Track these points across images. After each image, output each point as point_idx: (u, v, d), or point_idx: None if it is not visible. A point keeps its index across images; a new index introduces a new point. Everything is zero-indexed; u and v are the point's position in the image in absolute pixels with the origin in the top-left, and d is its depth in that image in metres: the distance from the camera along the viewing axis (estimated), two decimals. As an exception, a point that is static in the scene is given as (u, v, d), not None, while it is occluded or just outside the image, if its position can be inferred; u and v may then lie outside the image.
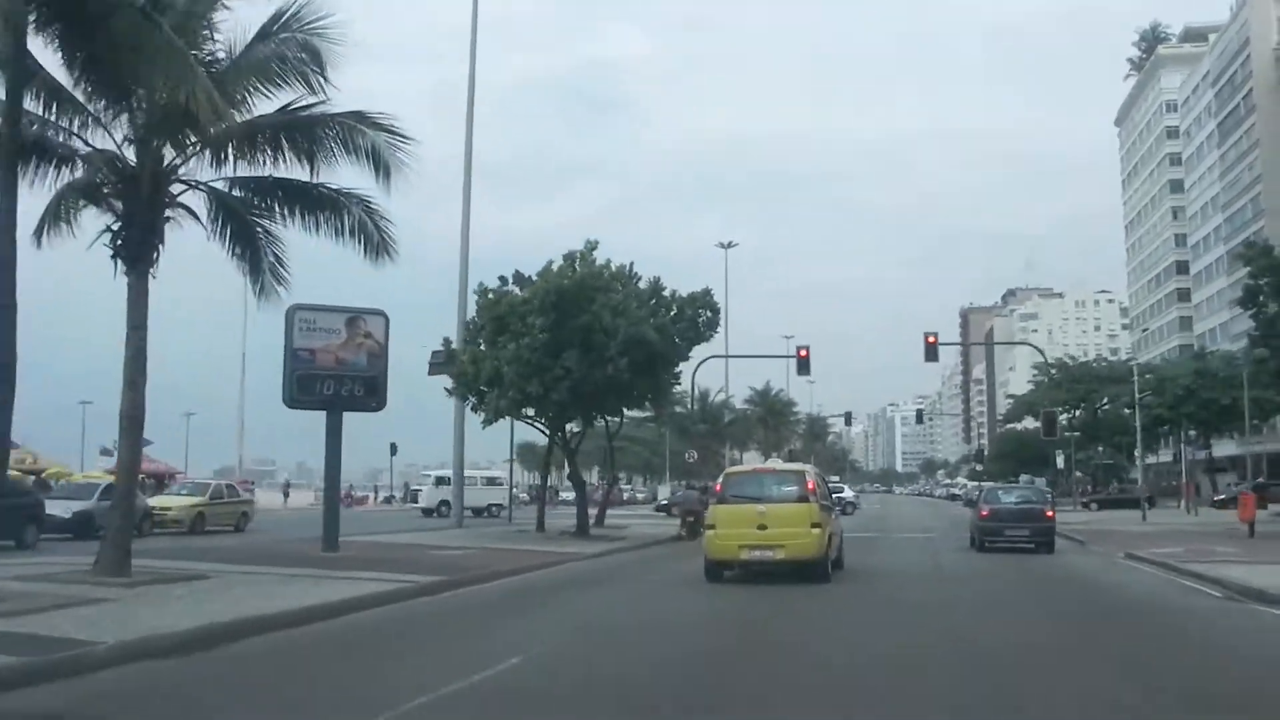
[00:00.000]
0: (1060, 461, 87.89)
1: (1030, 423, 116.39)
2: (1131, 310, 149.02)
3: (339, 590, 17.34)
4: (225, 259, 21.01)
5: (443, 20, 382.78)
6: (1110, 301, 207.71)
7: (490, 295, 34.07)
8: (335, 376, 25.72)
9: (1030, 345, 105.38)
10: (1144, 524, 46.74)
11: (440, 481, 58.47)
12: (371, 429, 46.56)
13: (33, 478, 42.97)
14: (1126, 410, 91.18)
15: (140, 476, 66.93)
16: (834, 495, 30.40)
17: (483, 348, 33.86)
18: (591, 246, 33.78)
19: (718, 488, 21.99)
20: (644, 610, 17.38)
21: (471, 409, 35.56)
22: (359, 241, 20.73)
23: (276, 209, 20.84)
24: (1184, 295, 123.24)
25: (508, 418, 35.85)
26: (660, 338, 32.95)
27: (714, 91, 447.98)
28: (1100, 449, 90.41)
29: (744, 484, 21.44)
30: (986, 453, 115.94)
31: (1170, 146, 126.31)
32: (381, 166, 19.73)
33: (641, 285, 34.93)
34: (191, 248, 21.08)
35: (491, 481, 62.49)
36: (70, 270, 27.21)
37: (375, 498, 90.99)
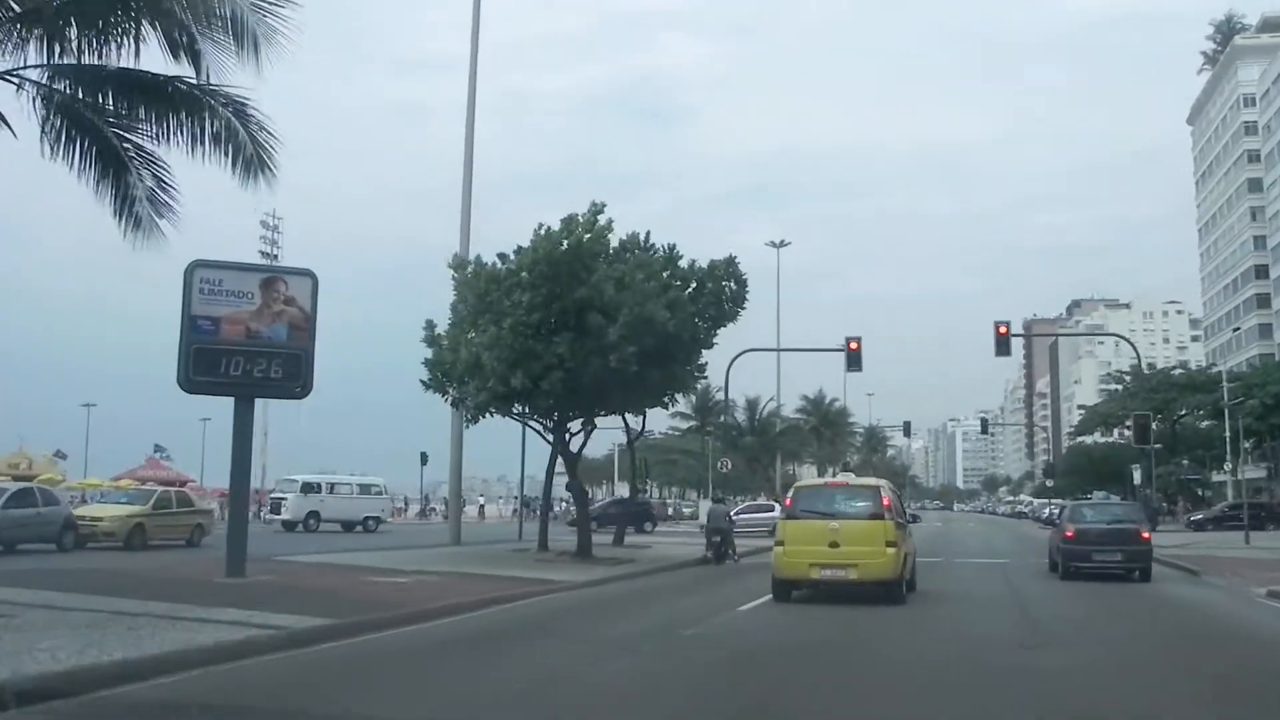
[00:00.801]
0: (1137, 476, 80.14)
1: (1101, 436, 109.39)
2: (1205, 318, 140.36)
3: (158, 641, 12.18)
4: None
5: (500, 35, 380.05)
6: (1179, 313, 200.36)
7: (470, 268, 27.93)
8: (246, 353, 19.85)
9: (1118, 337, 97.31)
10: (1248, 547, 39.70)
11: (309, 489, 51.23)
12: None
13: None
14: (1206, 422, 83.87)
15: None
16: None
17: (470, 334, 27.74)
18: (596, 210, 27.54)
19: (787, 502, 20.78)
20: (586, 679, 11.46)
21: (451, 404, 29.42)
22: (226, 154, 15.16)
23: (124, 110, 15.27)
24: (1264, 301, 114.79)
25: (508, 417, 29.68)
26: (673, 318, 26.67)
27: (770, 100, 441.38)
28: (1185, 462, 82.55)
29: (815, 498, 20.18)
30: (1056, 467, 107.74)
31: (1248, 143, 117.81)
32: (248, 37, 14.15)
33: (655, 255, 28.63)
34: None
35: (366, 490, 54.48)
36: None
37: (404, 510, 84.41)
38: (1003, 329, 37.75)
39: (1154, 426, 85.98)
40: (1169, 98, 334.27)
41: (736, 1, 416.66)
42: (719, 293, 28.75)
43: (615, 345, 25.88)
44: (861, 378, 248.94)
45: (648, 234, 29.25)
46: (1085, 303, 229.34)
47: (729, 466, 40.03)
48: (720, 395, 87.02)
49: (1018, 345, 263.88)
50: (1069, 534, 26.94)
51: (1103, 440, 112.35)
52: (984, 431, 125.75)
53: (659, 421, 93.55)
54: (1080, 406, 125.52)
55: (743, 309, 29.32)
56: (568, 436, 30.59)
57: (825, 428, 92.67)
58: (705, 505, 72.24)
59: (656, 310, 26.14)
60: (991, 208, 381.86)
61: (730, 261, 29.03)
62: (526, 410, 29.07)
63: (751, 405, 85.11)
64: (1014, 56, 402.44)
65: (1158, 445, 77.06)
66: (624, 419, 38.46)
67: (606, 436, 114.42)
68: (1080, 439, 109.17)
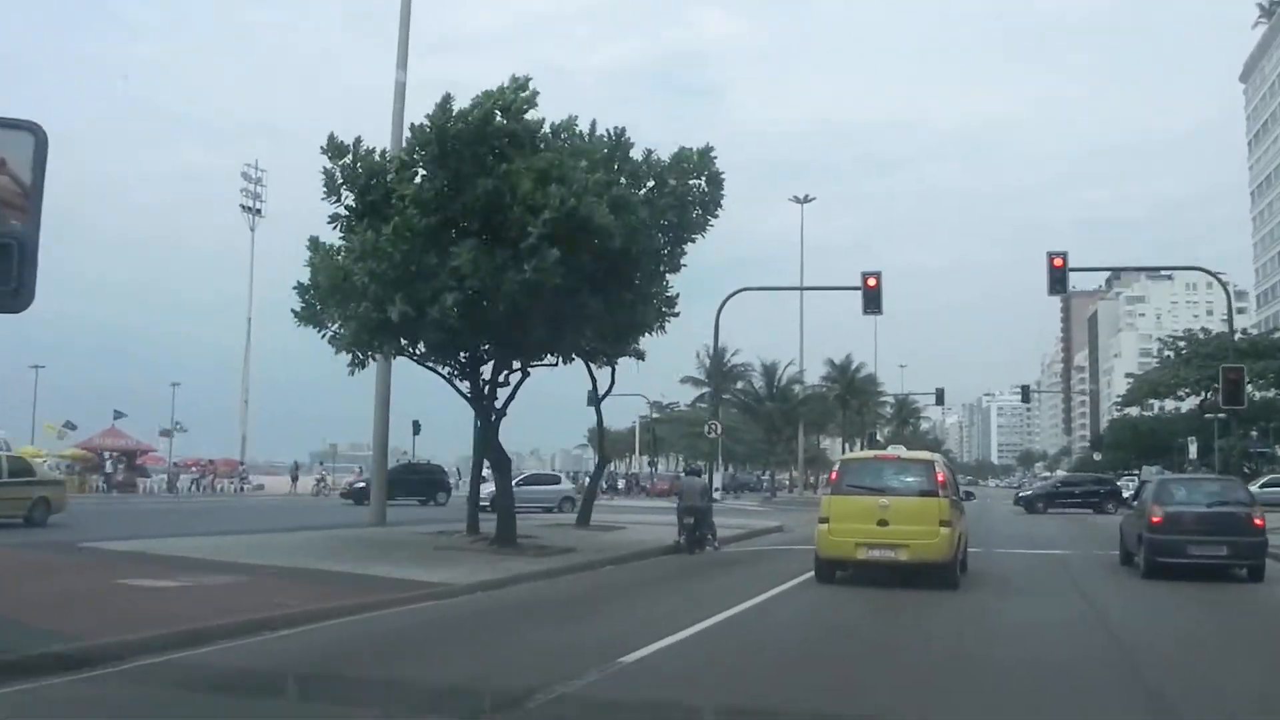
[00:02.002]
0: (1192, 450, 71.78)
1: (1141, 411, 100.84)
2: (1258, 285, 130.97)
3: None
4: None
5: (531, 8, 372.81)
6: (1224, 284, 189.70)
7: (349, 157, 20.32)
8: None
9: (1197, 267, 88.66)
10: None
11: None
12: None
13: None
14: (1272, 391, 75.48)
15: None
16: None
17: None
18: (519, 84, 19.90)
19: (833, 476, 19.23)
20: None
21: (328, 340, 21.69)
22: None
23: None
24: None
25: (403, 356, 22.28)
26: (622, 222, 19.18)
27: (803, 77, 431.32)
28: (1254, 434, 73.90)
29: (863, 473, 18.51)
30: (1103, 439, 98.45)
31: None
32: None
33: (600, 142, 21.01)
34: None
35: None
36: None
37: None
38: (1058, 261, 29.95)
39: (1209, 396, 78.35)
40: (1209, 76, 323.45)
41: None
42: (684, 194, 21.07)
43: (534, 250, 18.35)
44: (895, 350, 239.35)
45: (593, 123, 21.59)
46: (1125, 274, 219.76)
47: (718, 431, 32.04)
48: (734, 359, 79.76)
49: (1054, 314, 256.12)
50: (1155, 519, 19.56)
51: (1150, 413, 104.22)
52: (1024, 400, 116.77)
53: (673, 390, 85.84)
54: (1127, 375, 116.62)
55: (715, 216, 21.65)
56: (484, 386, 23.00)
57: (851, 396, 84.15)
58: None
59: (594, 210, 18.60)
60: (1027, 184, 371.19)
61: (704, 153, 21.28)
62: (419, 349, 21.47)
63: (769, 370, 77.05)
64: (1052, 33, 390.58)
65: (1220, 415, 68.77)
66: (589, 372, 30.97)
67: (629, 407, 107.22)
68: (1126, 410, 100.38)
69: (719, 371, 77.80)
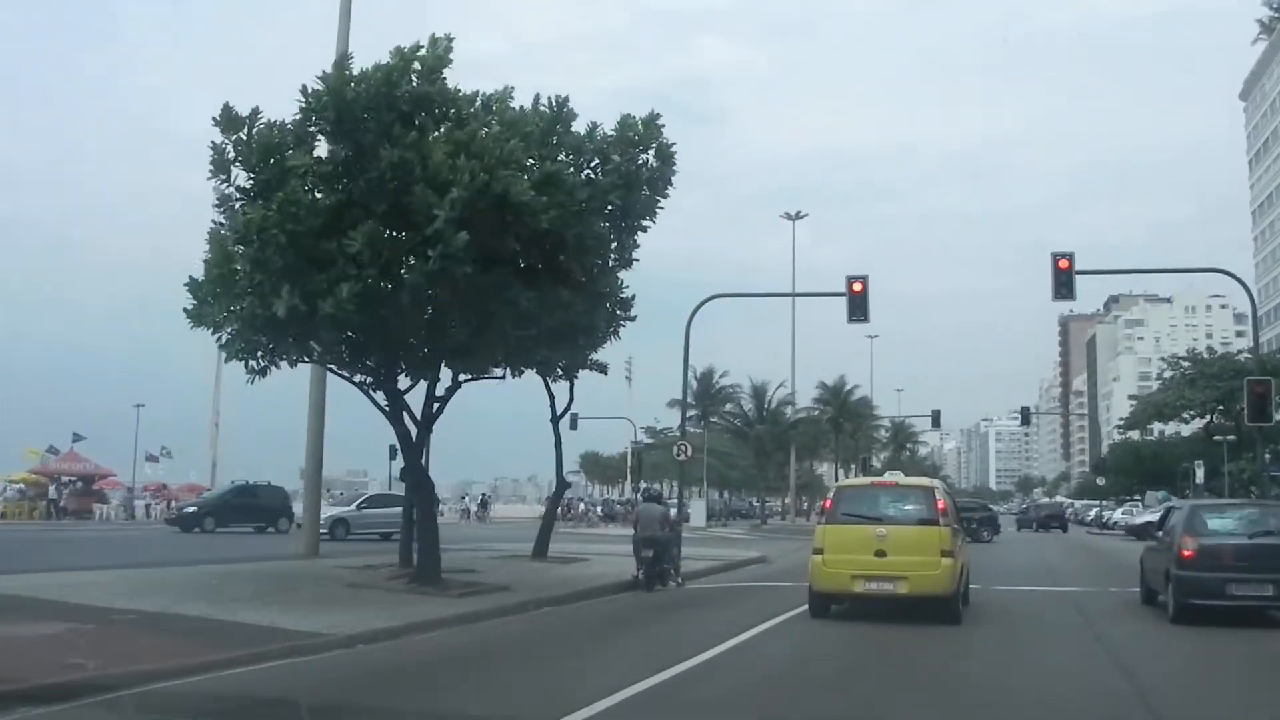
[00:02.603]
0: (1200, 474, 68.51)
1: (1141, 435, 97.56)
2: (1262, 304, 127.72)
3: None
4: None
5: (531, 36, 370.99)
6: (1224, 307, 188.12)
7: (243, 132, 17.07)
8: None
9: (1217, 269, 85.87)
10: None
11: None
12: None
13: None
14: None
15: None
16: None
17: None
18: (434, 43, 16.77)
19: (827, 504, 17.89)
20: None
21: (219, 345, 18.29)
22: None
23: None
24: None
25: (308, 361, 19.03)
26: (551, 201, 16.03)
27: (805, 103, 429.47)
28: (1267, 457, 70.44)
29: (859, 500, 17.31)
30: (1106, 464, 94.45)
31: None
32: None
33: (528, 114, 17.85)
34: None
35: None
36: None
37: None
38: (1063, 262, 26.81)
39: (1214, 417, 75.18)
40: (1207, 96, 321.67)
41: (771, 6, 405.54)
42: (632, 173, 17.88)
43: (440, 233, 15.23)
44: (892, 375, 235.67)
45: (535, 97, 18.43)
46: (1124, 298, 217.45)
47: (688, 454, 28.64)
48: (723, 380, 76.43)
49: (1051, 338, 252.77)
50: (1187, 553, 16.50)
51: (1150, 436, 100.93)
52: (1024, 423, 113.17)
53: (666, 414, 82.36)
54: (1130, 397, 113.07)
55: (665, 196, 18.42)
56: (428, 399, 19.82)
57: (845, 419, 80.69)
58: (699, 507, 62.03)
59: (511, 185, 15.46)
60: (1024, 207, 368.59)
61: (650, 123, 18.07)
62: (316, 352, 18.17)
63: (759, 392, 73.61)
64: (1047, 55, 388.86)
65: (1230, 438, 65.54)
66: (546, 388, 27.78)
67: (622, 431, 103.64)
68: (1129, 434, 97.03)
69: (707, 394, 74.99)
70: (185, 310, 17.75)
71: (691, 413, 77.33)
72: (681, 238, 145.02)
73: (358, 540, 35.73)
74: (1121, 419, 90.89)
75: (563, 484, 28.92)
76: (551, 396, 28.08)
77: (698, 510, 55.36)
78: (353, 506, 41.34)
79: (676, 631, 15.67)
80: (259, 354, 17.33)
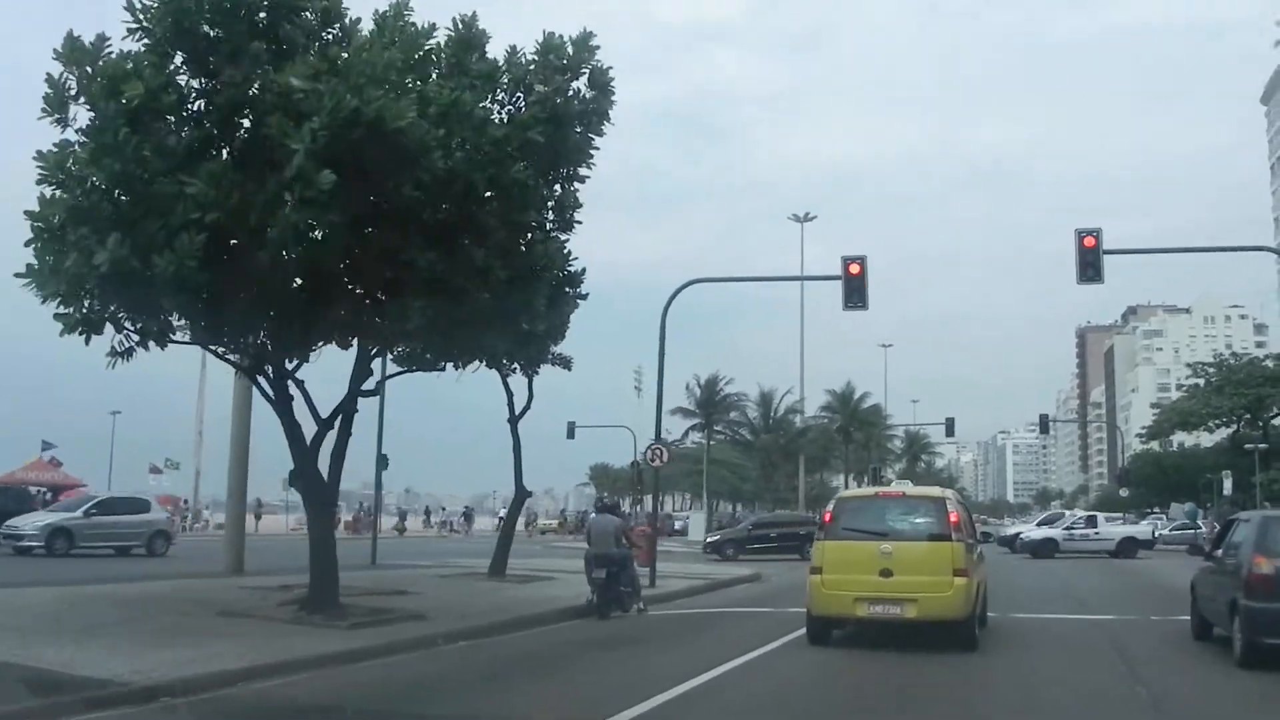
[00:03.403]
0: (1227, 485, 64.46)
1: (1160, 445, 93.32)
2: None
3: None
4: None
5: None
6: (1243, 317, 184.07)
7: (88, 66, 13.53)
8: None
9: (1262, 248, 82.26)
10: None
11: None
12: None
13: None
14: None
15: None
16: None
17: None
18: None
19: (827, 517, 15.41)
20: None
21: (55, 317, 14.77)
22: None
23: None
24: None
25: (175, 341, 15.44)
26: (450, 135, 12.57)
27: (821, 115, 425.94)
28: (1302, 467, 66.34)
29: (862, 513, 15.18)
30: (1130, 474, 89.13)
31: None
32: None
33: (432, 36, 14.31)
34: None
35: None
36: None
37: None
38: (1089, 240, 23.12)
39: (1240, 427, 71.24)
40: (1227, 106, 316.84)
41: (787, 20, 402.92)
42: (560, 105, 14.29)
43: (300, 174, 11.78)
44: (907, 388, 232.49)
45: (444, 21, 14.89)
46: (1141, 308, 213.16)
47: (663, 458, 24.88)
48: (728, 387, 72.56)
49: (1069, 350, 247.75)
50: (1260, 576, 12.55)
51: (1171, 448, 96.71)
52: (1043, 431, 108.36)
53: (675, 424, 78.41)
54: (1153, 406, 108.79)
55: (601, 134, 14.80)
56: (292, 381, 16.18)
57: (855, 428, 76.68)
58: (698, 520, 58.00)
59: (388, 111, 11.96)
60: (1042, 218, 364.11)
61: (582, 43, 14.46)
62: (173, 324, 14.56)
63: (765, 399, 69.88)
64: (1066, 68, 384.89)
65: (1262, 446, 61.60)
66: (503, 383, 24.37)
67: (627, 442, 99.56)
68: (1151, 444, 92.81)
69: (710, 401, 71.23)
70: (17, 276, 14.24)
71: (694, 421, 73.88)
72: (695, 250, 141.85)
73: (87, 556, 29.75)
74: (1144, 428, 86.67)
75: (522, 493, 25.33)
76: (509, 394, 24.71)
77: (697, 523, 51.63)
78: (78, 513, 32.63)
79: (603, 679, 12.17)
80: (100, 325, 13.82)
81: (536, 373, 24.22)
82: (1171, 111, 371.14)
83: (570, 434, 62.41)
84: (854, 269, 23.83)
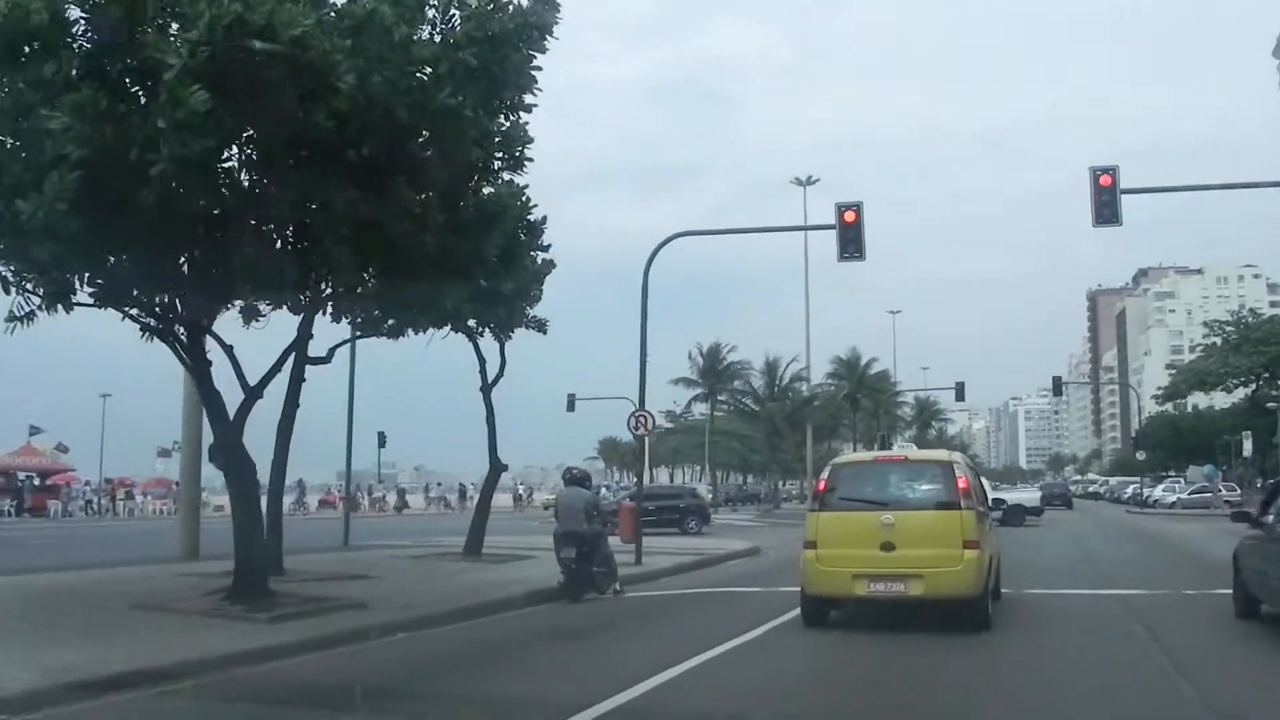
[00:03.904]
0: (1247, 447, 62.48)
1: (1172, 408, 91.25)
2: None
3: None
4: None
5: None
6: (1256, 277, 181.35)
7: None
8: None
9: None
10: None
11: None
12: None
13: None
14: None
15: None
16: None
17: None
18: None
19: (821, 485, 13.82)
20: None
21: None
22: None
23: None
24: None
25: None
26: (369, 59, 10.68)
27: (828, 85, 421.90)
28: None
29: (861, 480, 13.66)
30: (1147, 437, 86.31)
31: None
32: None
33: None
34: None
35: None
36: None
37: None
38: (1105, 178, 21.10)
39: (1262, 387, 69.06)
40: (1236, 81, 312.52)
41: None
42: (495, 22, 12.30)
43: (170, 95, 9.95)
44: (916, 354, 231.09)
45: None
46: (1153, 270, 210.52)
47: (648, 426, 22.98)
48: (731, 355, 70.63)
49: (1079, 315, 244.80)
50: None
51: (1185, 411, 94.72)
52: (1056, 393, 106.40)
53: (662, 393, 76.38)
54: (1168, 367, 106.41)
55: (542, 50, 12.78)
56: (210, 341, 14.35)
57: (863, 395, 74.60)
58: (702, 487, 56.06)
59: (283, 17, 10.14)
60: (1047, 188, 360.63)
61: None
62: (70, 281, 12.63)
63: (771, 368, 67.86)
64: (1072, 33, 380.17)
65: (1282, 405, 59.52)
66: (475, 349, 22.62)
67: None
68: (1167, 406, 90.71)
69: (714, 370, 69.30)
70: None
71: (697, 391, 72.04)
72: (705, 220, 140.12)
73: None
74: (1160, 389, 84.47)
75: (497, 466, 23.50)
76: (481, 361, 22.91)
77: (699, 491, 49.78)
78: None
79: (556, 674, 10.47)
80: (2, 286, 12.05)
81: (508, 337, 22.49)
82: (1184, 82, 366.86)
83: (570, 406, 60.73)
84: (849, 216, 21.85)
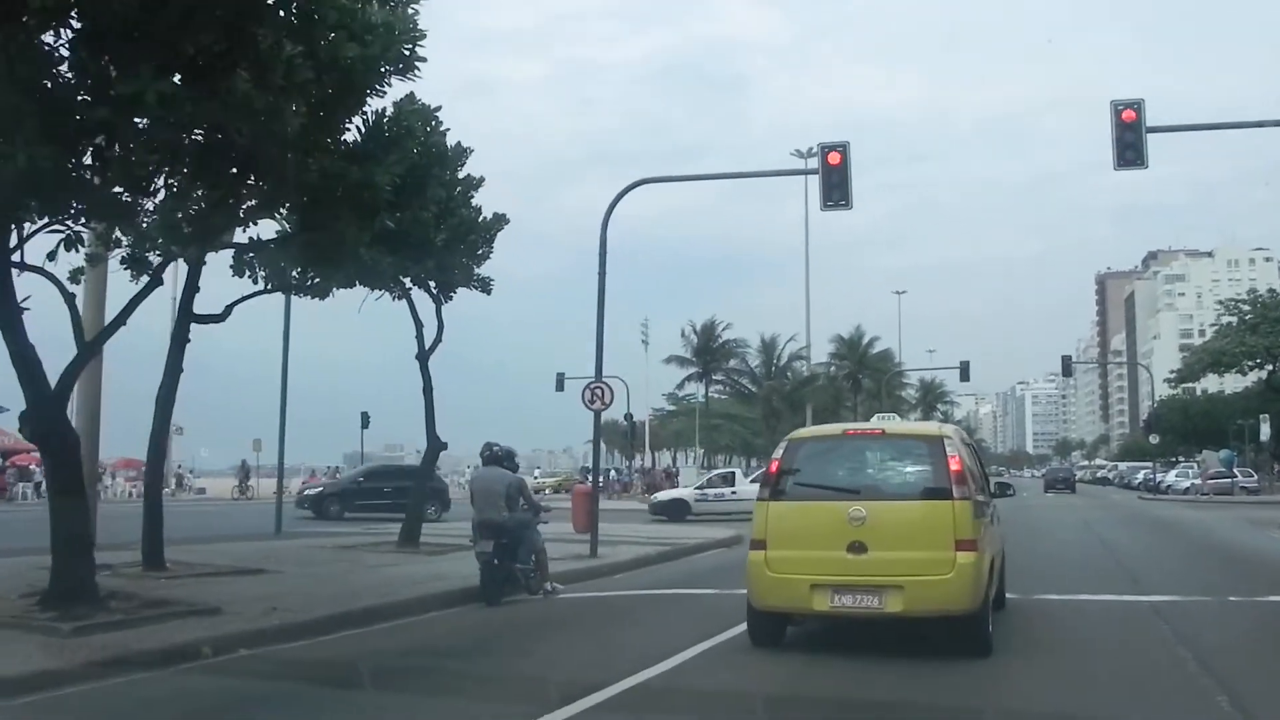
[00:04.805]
0: (1265, 430, 59.36)
1: (1205, 385, 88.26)
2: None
3: None
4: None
5: (556, 6, 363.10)
6: (1268, 260, 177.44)
7: None
8: None
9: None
10: None
11: None
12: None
13: None
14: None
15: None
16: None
17: None
18: None
19: (773, 467, 10.52)
20: None
21: None
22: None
23: None
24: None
25: None
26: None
27: (827, 67, 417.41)
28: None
29: (824, 460, 10.50)
30: (1160, 420, 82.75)
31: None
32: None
33: None
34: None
35: None
36: None
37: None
38: (1128, 113, 18.13)
39: (1277, 370, 66.10)
40: (1248, 53, 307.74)
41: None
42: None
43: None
44: (921, 338, 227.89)
45: None
46: (1162, 253, 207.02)
47: (605, 400, 19.92)
48: (726, 333, 67.69)
49: (1087, 299, 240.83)
50: None
51: (1202, 392, 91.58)
52: (1065, 374, 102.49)
53: (665, 376, 73.36)
54: (1183, 348, 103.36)
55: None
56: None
57: (864, 374, 71.39)
58: (689, 477, 53.09)
59: None
60: (1058, 171, 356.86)
61: None
62: None
63: (768, 346, 64.95)
64: (1082, 12, 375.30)
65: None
66: (412, 313, 19.89)
67: (641, 397, 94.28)
68: (1178, 390, 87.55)
69: (708, 349, 66.26)
70: None
71: (691, 371, 69.08)
72: (712, 202, 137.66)
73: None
74: (1172, 372, 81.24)
75: (435, 444, 20.60)
76: (418, 325, 20.09)
77: (688, 478, 46.88)
78: None
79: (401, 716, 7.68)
80: None
81: (446, 299, 19.66)
82: (1193, 62, 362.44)
83: (559, 386, 57.85)
84: (834, 158, 18.83)
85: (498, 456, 14.19)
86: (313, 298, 19.31)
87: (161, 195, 11.04)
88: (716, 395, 74.67)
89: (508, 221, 19.28)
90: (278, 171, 11.10)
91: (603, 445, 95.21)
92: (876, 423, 11.06)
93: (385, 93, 11.81)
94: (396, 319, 20.06)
